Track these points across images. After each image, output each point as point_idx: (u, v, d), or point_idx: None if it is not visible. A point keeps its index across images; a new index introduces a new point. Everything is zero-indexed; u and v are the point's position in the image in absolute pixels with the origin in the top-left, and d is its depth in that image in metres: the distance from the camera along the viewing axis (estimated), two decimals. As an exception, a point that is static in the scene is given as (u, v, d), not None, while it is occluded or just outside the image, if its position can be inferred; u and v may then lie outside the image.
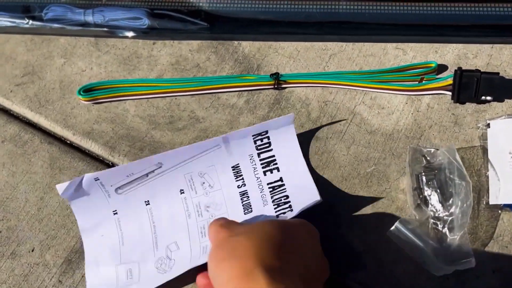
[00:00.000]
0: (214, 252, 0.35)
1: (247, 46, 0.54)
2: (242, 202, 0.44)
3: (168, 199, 0.44)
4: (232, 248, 0.34)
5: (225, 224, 0.37)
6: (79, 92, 0.52)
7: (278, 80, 0.49)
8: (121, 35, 0.56)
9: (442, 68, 0.49)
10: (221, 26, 0.55)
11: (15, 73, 0.56)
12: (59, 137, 0.52)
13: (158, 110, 0.51)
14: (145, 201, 0.44)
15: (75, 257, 0.44)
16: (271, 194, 0.44)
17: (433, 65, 0.48)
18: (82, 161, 0.50)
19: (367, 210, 0.43)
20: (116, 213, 0.44)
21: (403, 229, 0.40)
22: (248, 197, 0.44)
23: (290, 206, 0.42)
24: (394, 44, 0.52)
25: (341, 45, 0.53)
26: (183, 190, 0.44)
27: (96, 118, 0.52)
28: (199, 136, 0.49)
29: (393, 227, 0.40)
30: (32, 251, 0.45)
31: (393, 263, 0.40)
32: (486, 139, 0.44)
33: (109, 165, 0.49)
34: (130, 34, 0.55)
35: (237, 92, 0.51)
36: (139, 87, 0.52)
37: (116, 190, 0.43)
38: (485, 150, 0.44)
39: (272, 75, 0.50)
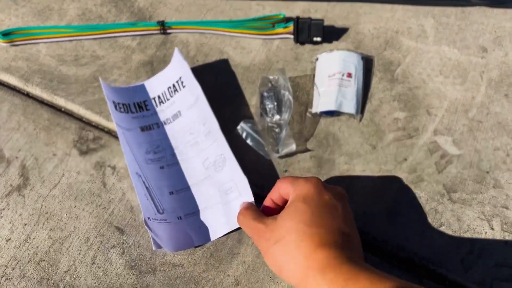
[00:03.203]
0: (268, 262, 0.42)
1: (142, 1, 0.67)
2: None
3: None
4: (283, 261, 0.40)
5: (262, 231, 0.43)
6: (-2, 35, 0.62)
7: (163, 26, 0.63)
8: (35, -9, 0.67)
9: (290, 19, 0.64)
10: (120, -15, 0.67)
11: None
12: (-19, 73, 0.62)
13: (66, 50, 0.63)
14: None
15: (-6, 162, 0.56)
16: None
17: (281, 16, 0.63)
18: (0, 90, 0.60)
19: (227, 118, 0.57)
20: None
21: (246, 127, 0.54)
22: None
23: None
24: (256, 2, 0.66)
25: (216, 1, 0.66)
26: None
27: (13, 57, 0.63)
28: (99, 70, 0.61)
29: (238, 126, 0.54)
30: (-42, 158, 0.56)
31: (241, 154, 0.55)
32: (315, 69, 0.60)
33: (24, 94, 0.61)
34: (42, -10, 0.66)
35: (131, 37, 0.64)
36: (50, 32, 0.63)
37: None
38: (313, 77, 0.59)
39: (158, 22, 0.63)
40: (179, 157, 0.55)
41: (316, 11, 0.65)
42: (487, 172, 0.53)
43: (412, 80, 0.59)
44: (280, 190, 0.45)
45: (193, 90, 0.56)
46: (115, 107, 0.56)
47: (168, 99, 0.58)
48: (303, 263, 0.38)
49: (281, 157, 0.54)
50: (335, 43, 0.62)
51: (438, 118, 0.56)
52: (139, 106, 0.58)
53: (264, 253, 0.42)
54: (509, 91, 0.58)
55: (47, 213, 0.52)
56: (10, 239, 0.51)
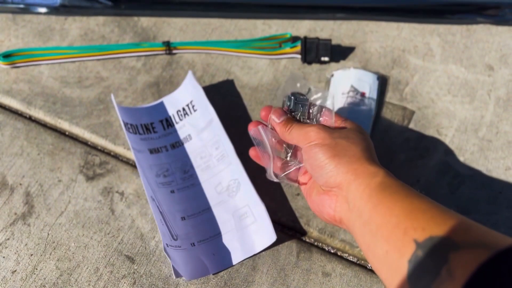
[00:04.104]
0: (322, 147, 0.42)
1: (145, 21, 0.66)
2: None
3: None
4: (342, 148, 0.42)
5: (323, 127, 0.44)
6: (-2, 57, 0.61)
7: (169, 47, 0.62)
8: (35, 11, 0.65)
9: (297, 39, 0.64)
10: (123, 5, 0.66)
11: None
12: (-19, 96, 0.61)
13: (69, 72, 0.62)
14: None
15: (-3, 189, 0.54)
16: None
17: (288, 35, 0.62)
18: (2, 114, 0.59)
19: (235, 140, 0.56)
20: None
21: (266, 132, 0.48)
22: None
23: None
24: (262, 21, 0.66)
25: (221, 21, 0.66)
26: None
27: (15, 79, 0.61)
28: (103, 92, 0.60)
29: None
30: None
31: (251, 178, 0.53)
32: (329, 85, 0.59)
33: (27, 117, 0.59)
34: (43, 10, 0.65)
35: (136, 57, 0.63)
36: (52, 53, 0.62)
37: None
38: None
39: (163, 42, 0.62)
40: (189, 182, 0.53)
41: (322, 30, 0.65)
42: (500, 193, 0.53)
43: (421, 100, 0.59)
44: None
45: (206, 114, 0.55)
46: (125, 127, 0.54)
47: (177, 122, 0.57)
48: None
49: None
50: (342, 62, 0.62)
51: (448, 138, 0.56)
52: (146, 128, 0.56)
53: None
54: (517, 109, 0.58)
55: (54, 242, 0.50)
56: (15, 270, 0.49)
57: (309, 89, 0.50)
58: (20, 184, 0.54)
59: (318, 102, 0.49)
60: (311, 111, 0.48)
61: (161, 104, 0.58)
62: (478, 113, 0.58)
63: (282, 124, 0.46)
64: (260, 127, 0.47)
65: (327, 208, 0.42)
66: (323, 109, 0.47)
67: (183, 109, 0.57)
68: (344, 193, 0.40)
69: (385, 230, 0.35)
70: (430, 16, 0.65)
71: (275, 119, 0.47)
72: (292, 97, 0.47)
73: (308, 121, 0.47)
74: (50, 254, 0.50)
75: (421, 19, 0.65)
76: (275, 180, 0.47)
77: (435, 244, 0.31)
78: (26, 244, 0.50)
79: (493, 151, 0.55)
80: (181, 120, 0.57)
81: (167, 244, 0.47)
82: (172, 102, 0.58)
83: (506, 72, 0.61)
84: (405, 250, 0.33)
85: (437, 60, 0.62)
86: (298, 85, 0.50)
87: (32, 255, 0.50)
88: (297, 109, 0.47)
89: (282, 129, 0.46)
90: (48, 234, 0.51)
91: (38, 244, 0.50)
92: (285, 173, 0.47)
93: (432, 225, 0.33)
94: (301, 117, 0.47)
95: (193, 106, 0.57)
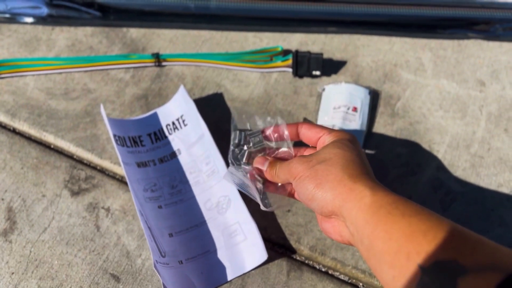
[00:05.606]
0: (305, 180, 0.40)
1: (134, 32, 0.65)
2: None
3: None
4: (323, 174, 0.40)
5: (300, 158, 0.42)
6: (-18, 68, 0.59)
7: (158, 59, 0.61)
8: (21, 21, 0.64)
9: (288, 52, 0.63)
10: (111, 15, 0.65)
11: None
12: (-37, 107, 0.59)
13: (55, 83, 0.60)
14: None
15: (-22, 204, 0.52)
16: None
17: (279, 49, 0.62)
18: (-15, 126, 0.57)
19: (225, 155, 0.55)
20: None
21: (234, 172, 0.47)
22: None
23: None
24: (253, 33, 0.65)
25: (211, 33, 0.65)
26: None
27: (-1, 90, 0.60)
28: (90, 104, 0.59)
29: (226, 172, 0.47)
30: None
31: (240, 193, 0.52)
32: (321, 99, 0.59)
33: (11, 130, 0.57)
34: (29, 20, 0.64)
35: (124, 69, 0.61)
36: (38, 64, 0.60)
37: None
38: (317, 111, 0.58)
39: (153, 54, 0.61)
40: (178, 197, 0.52)
41: (314, 43, 0.64)
42: (492, 210, 0.52)
43: (413, 115, 0.58)
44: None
45: (197, 128, 0.54)
46: (114, 138, 0.53)
47: (166, 136, 0.56)
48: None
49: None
50: (333, 76, 0.61)
51: (440, 154, 0.56)
52: (133, 141, 0.55)
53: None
54: (508, 125, 0.58)
55: (36, 260, 0.49)
56: (-5, 290, 0.47)
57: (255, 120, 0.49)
58: (2, 199, 0.52)
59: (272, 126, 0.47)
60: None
61: (150, 117, 0.57)
62: (470, 128, 0.58)
63: (268, 170, 0.45)
64: (229, 175, 0.46)
65: (335, 235, 0.42)
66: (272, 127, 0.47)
67: (173, 123, 0.56)
68: (341, 219, 0.39)
69: (387, 256, 0.34)
70: (421, 30, 0.65)
71: (262, 168, 0.46)
72: (242, 132, 0.47)
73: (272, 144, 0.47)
74: (32, 273, 0.48)
75: (413, 34, 0.64)
76: (271, 208, 0.46)
77: (441, 270, 0.30)
78: (7, 262, 0.49)
79: (485, 167, 0.55)
80: (170, 134, 0.56)
81: (156, 261, 0.45)
82: (162, 116, 0.57)
83: (497, 87, 0.61)
84: (411, 277, 0.32)
85: (428, 75, 0.62)
86: (244, 116, 0.49)
87: (13, 273, 0.48)
88: (245, 143, 0.47)
89: (270, 174, 0.45)
90: (31, 252, 0.49)
91: (20, 262, 0.49)
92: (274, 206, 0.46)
93: (435, 247, 0.31)
94: (255, 147, 0.47)
95: (183, 121, 0.56)
